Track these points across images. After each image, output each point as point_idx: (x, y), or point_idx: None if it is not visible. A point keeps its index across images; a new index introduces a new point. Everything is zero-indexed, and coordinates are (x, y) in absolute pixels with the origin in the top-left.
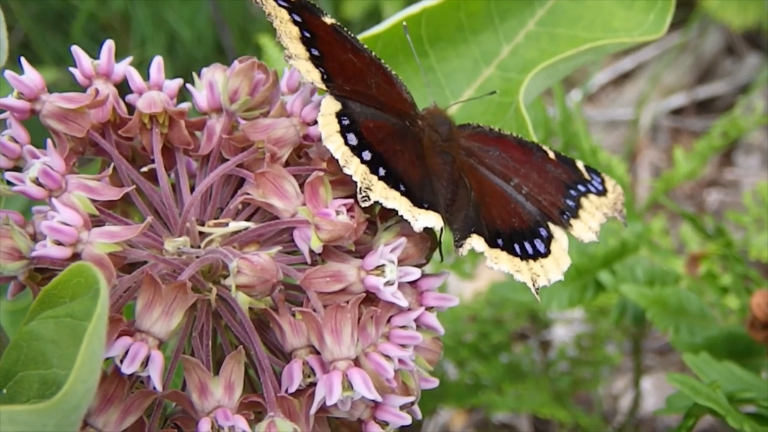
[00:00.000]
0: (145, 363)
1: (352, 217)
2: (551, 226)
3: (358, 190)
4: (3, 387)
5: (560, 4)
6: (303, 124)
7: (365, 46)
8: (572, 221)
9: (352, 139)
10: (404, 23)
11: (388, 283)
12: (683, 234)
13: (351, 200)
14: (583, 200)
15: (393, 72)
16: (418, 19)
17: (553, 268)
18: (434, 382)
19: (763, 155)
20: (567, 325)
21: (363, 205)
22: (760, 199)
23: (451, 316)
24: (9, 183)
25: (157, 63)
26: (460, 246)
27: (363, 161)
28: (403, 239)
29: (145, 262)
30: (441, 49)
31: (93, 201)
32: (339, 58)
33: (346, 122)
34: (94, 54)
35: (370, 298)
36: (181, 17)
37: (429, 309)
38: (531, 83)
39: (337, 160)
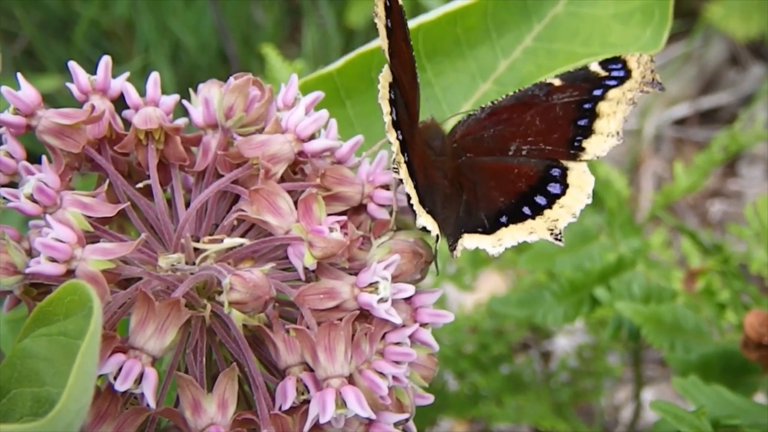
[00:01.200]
0: (139, 380)
1: (345, 234)
2: (563, 162)
3: (391, 160)
4: None
5: (557, 19)
6: (298, 141)
7: (410, 41)
8: (585, 143)
9: (394, 114)
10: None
11: (382, 300)
12: (684, 247)
13: (344, 217)
14: (601, 105)
15: (418, 79)
16: (416, 34)
17: (575, 200)
18: (429, 399)
19: (767, 166)
20: (568, 336)
21: (393, 175)
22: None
23: (452, 327)
24: (4, 198)
25: (154, 79)
26: (454, 248)
27: (397, 138)
28: (397, 256)
29: (140, 278)
30: (438, 64)
31: (88, 217)
32: (397, 41)
33: (392, 95)
34: (97, 62)
35: (364, 314)
36: (184, 24)
37: (423, 325)
38: None
39: (332, 175)
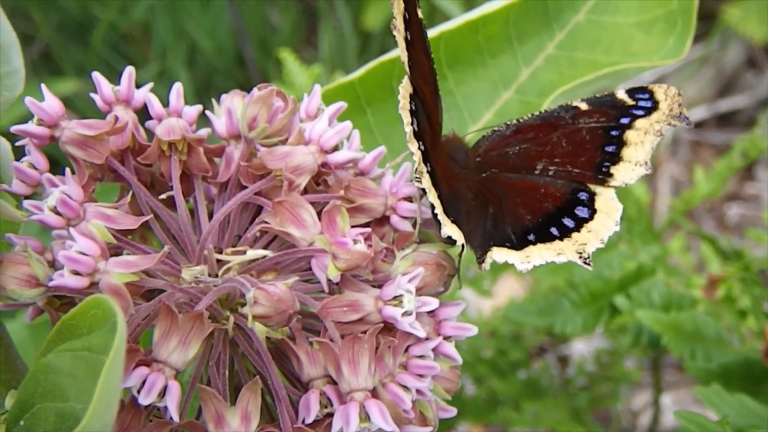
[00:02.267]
0: (162, 393)
1: (369, 246)
2: (590, 186)
3: (413, 170)
4: (20, 419)
5: (579, 27)
6: (321, 152)
7: (431, 55)
8: (613, 170)
9: (415, 124)
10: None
11: (406, 314)
12: (704, 251)
13: (368, 229)
14: (628, 134)
15: (440, 92)
16: (437, 43)
17: (604, 224)
18: (452, 411)
19: None
20: (586, 340)
21: (416, 185)
22: None
23: None
24: (27, 210)
25: (177, 90)
26: (482, 261)
27: (419, 148)
28: (421, 269)
29: (163, 290)
30: (459, 72)
31: (111, 229)
32: (417, 53)
33: (413, 107)
34: (115, 66)
35: (388, 327)
36: (201, 28)
37: (447, 338)
38: (549, 107)
39: (355, 187)
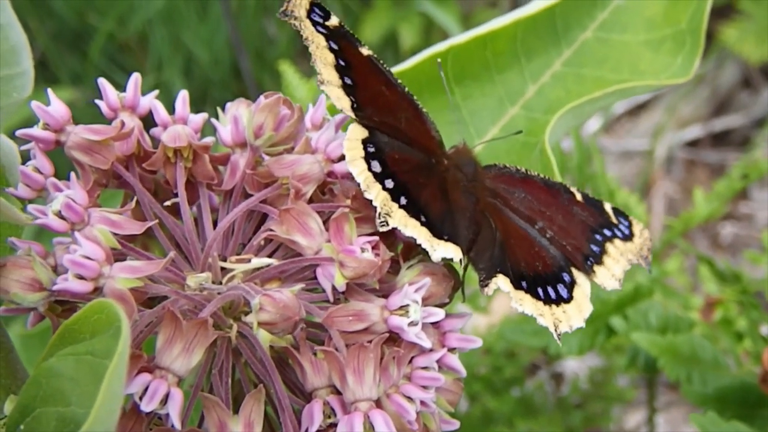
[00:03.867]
0: (164, 400)
1: (377, 254)
2: (574, 271)
3: (377, 215)
4: (20, 423)
5: (587, 44)
6: (328, 161)
7: (398, 81)
8: (596, 267)
9: (376, 166)
10: (438, 59)
11: (412, 324)
12: (701, 272)
13: (376, 237)
14: (609, 246)
15: (424, 109)
16: (445, 57)
17: (575, 314)
18: (455, 424)
19: None
20: (580, 358)
21: (381, 230)
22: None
23: None
24: (31, 215)
25: (183, 97)
26: (486, 286)
27: (385, 188)
28: (427, 279)
29: (167, 297)
30: (466, 87)
31: (115, 234)
32: (371, 89)
33: (371, 149)
34: (112, 76)
35: (393, 337)
36: (198, 39)
37: (451, 350)
38: (557, 124)
39: (362, 196)
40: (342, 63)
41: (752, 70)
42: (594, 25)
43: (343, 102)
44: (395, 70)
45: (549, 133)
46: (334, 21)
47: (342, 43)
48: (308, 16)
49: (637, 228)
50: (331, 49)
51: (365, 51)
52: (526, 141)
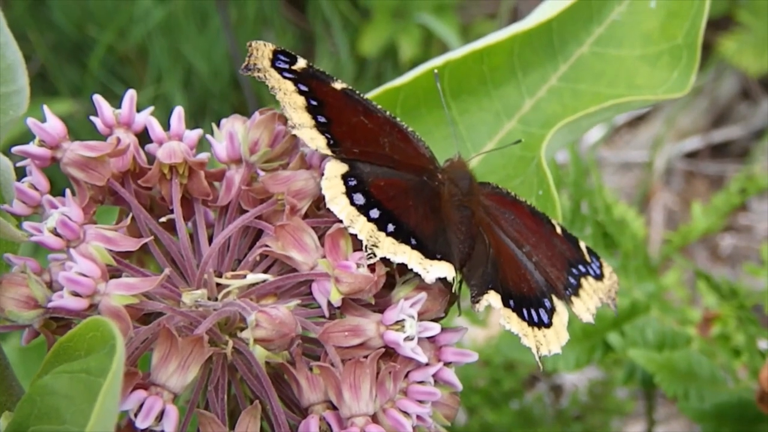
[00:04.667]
0: (160, 417)
1: (373, 269)
2: (554, 299)
3: (363, 248)
4: None
5: (583, 59)
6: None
7: (378, 107)
8: (573, 299)
9: (359, 198)
10: (435, 71)
11: (408, 339)
12: (699, 286)
13: None
14: (583, 281)
15: (409, 129)
16: (442, 71)
17: (553, 340)
18: None
19: None
20: (578, 371)
21: (368, 262)
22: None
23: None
24: (27, 232)
25: (178, 113)
26: (477, 302)
27: (370, 219)
28: (423, 293)
29: (162, 313)
30: (463, 102)
31: (110, 251)
32: (349, 122)
33: (352, 183)
34: (111, 88)
35: (389, 352)
36: (197, 51)
37: (447, 364)
38: (553, 139)
39: None
40: (314, 102)
41: (751, 81)
42: (590, 40)
43: (318, 141)
44: (393, 84)
45: (545, 148)
46: (301, 63)
47: (312, 83)
48: (273, 65)
49: (606, 270)
50: (301, 92)
51: (338, 85)
52: (523, 155)
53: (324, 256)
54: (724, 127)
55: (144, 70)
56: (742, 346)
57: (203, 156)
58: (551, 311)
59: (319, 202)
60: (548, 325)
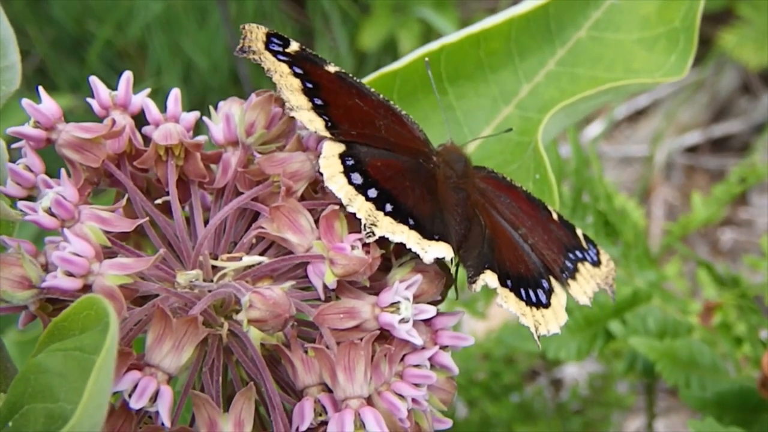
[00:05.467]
0: (154, 398)
1: (368, 252)
2: (552, 280)
3: (362, 227)
4: (9, 420)
5: (581, 44)
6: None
7: (372, 90)
8: (570, 281)
9: (357, 178)
10: (426, 59)
11: (403, 321)
12: (700, 276)
13: None
14: (580, 266)
15: (403, 112)
16: (438, 57)
17: (552, 320)
18: (447, 423)
19: None
20: (579, 364)
21: (367, 240)
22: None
23: (464, 354)
24: (21, 211)
25: (175, 95)
26: (474, 282)
27: (368, 198)
28: (419, 276)
29: (157, 295)
30: (460, 87)
31: (106, 232)
32: (344, 104)
33: (350, 162)
34: (110, 82)
35: (384, 335)
36: (197, 45)
37: (443, 348)
38: (550, 123)
39: None
40: (309, 85)
41: (751, 75)
42: (588, 24)
43: (316, 124)
44: (389, 69)
45: (542, 131)
46: (294, 46)
47: (306, 65)
48: (267, 48)
49: (604, 257)
50: (296, 74)
51: (332, 68)
52: (520, 140)
53: (319, 238)
54: (724, 122)
55: (143, 64)
56: (743, 335)
57: (199, 138)
58: (549, 292)
59: (315, 184)
60: (546, 306)
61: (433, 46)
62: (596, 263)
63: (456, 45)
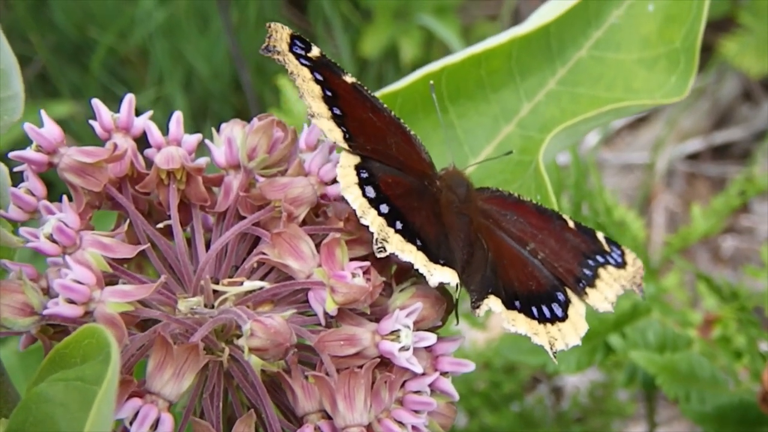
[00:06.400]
0: (155, 425)
1: (368, 279)
2: (568, 291)
3: (374, 241)
4: None
5: (582, 63)
6: (321, 184)
7: (385, 105)
8: (588, 290)
9: (370, 191)
10: (431, 82)
11: (403, 349)
12: (699, 288)
13: (367, 263)
14: (601, 271)
15: (412, 132)
16: (439, 76)
17: (571, 332)
18: None
19: None
20: (580, 373)
21: (378, 256)
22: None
23: None
24: (23, 238)
25: (177, 118)
26: (477, 307)
27: (380, 213)
28: (419, 303)
29: (158, 320)
30: (461, 106)
31: (107, 257)
32: (359, 117)
33: (364, 175)
34: (111, 89)
35: (384, 361)
36: (198, 52)
37: (444, 374)
38: (551, 143)
39: (355, 219)
40: (329, 93)
41: (753, 83)
42: (589, 44)
43: (335, 134)
44: (391, 89)
45: (543, 153)
46: (315, 51)
47: (326, 73)
48: (290, 50)
49: (629, 257)
50: (317, 81)
51: (349, 79)
52: (521, 159)
53: (320, 265)
54: (725, 129)
55: (145, 71)
56: (743, 348)
57: (201, 161)
58: (565, 304)
59: (317, 209)
60: (563, 319)
61: (435, 66)
62: (621, 264)
63: (458, 64)
